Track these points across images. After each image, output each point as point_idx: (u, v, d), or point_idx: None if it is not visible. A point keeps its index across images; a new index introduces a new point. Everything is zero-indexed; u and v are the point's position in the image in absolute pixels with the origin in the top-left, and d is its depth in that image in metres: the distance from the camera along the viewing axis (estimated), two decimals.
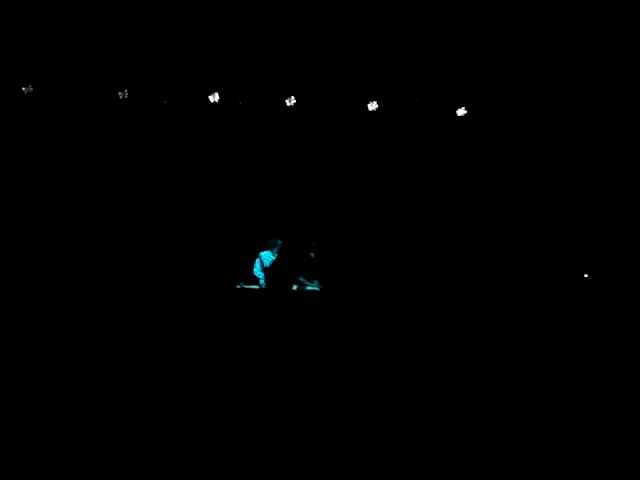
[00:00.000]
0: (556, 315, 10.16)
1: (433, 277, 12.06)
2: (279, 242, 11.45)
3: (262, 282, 11.27)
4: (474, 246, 12.54)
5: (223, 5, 11.16)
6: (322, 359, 8.65)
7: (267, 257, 11.41)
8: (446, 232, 12.69)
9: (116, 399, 6.86)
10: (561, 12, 10.97)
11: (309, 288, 11.21)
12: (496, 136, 12.69)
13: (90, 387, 7.20)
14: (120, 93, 11.99)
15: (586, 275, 11.92)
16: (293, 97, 12.13)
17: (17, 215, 12.18)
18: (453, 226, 12.72)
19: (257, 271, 11.36)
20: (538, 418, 6.45)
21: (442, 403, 6.90)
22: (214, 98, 12.14)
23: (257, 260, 11.41)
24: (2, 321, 9.02)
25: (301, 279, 11.33)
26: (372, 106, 12.22)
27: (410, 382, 7.60)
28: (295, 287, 11.08)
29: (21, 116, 12.25)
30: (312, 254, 11.46)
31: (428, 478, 5.22)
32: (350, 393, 7.17)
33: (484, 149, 12.79)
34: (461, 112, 12.29)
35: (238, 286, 10.99)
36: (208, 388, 7.41)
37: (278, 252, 11.43)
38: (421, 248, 12.62)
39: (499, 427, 6.23)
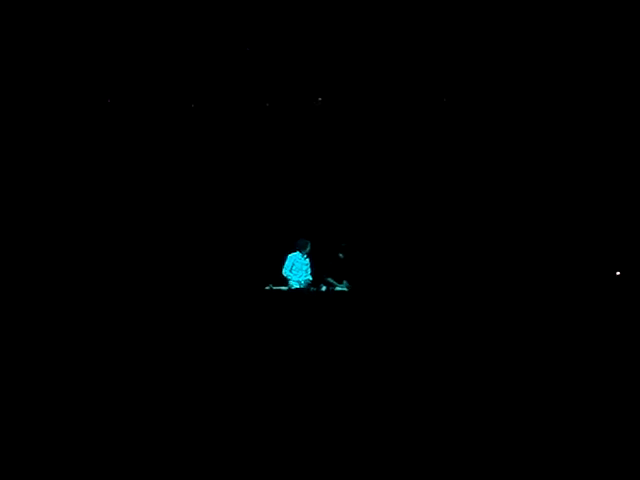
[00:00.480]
0: (587, 312, 10.04)
1: (458, 275, 11.98)
2: (308, 243, 11.48)
3: (291, 283, 11.30)
4: (499, 248, 12.42)
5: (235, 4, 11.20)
6: (350, 360, 8.64)
7: (297, 258, 11.44)
8: (469, 230, 12.58)
9: (137, 396, 6.91)
10: (561, 11, 10.91)
11: (338, 289, 11.22)
12: (511, 128, 12.54)
13: (106, 384, 7.25)
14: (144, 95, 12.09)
15: (618, 273, 11.77)
16: (320, 98, 12.13)
17: (17, 216, 12.24)
18: (476, 224, 12.60)
19: (286, 272, 11.39)
20: (552, 416, 6.40)
21: (463, 403, 6.86)
22: (239, 99, 12.18)
23: (286, 262, 11.45)
24: (2, 321, 9.09)
25: (330, 280, 11.34)
26: (394, 103, 12.17)
27: (433, 381, 7.57)
28: (324, 288, 11.09)
29: (21, 119, 12.29)
30: (341, 255, 11.46)
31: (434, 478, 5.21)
32: (374, 392, 7.16)
33: (508, 144, 12.65)
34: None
35: (267, 287, 11.03)
36: (234, 388, 7.44)
37: (307, 253, 11.46)
38: (448, 248, 12.53)
39: (514, 425, 6.19)
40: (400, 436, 6.01)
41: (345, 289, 11.24)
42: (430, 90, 12.26)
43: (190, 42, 11.54)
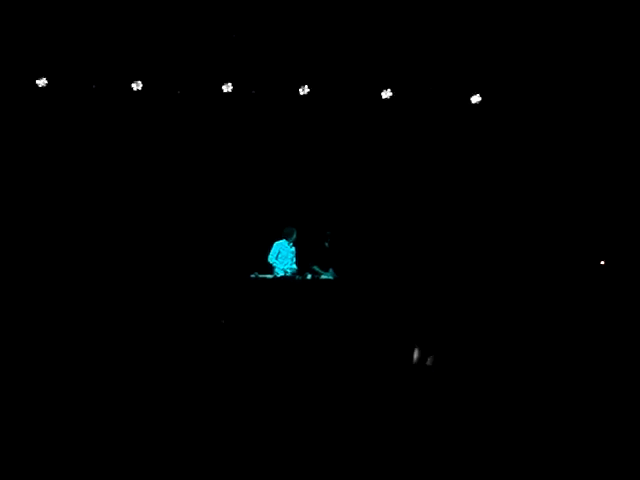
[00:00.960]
0: (572, 303, 10.12)
1: (446, 266, 12.02)
2: (295, 231, 11.48)
3: (277, 271, 11.30)
4: (487, 236, 12.49)
5: None
6: (334, 348, 8.67)
7: (283, 246, 11.44)
8: (459, 222, 12.64)
9: (131, 388, 6.91)
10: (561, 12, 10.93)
11: (323, 277, 11.23)
12: (513, 124, 12.59)
13: (99, 380, 7.25)
14: (134, 84, 12.02)
15: (602, 262, 11.84)
16: (307, 86, 12.09)
17: (21, 212, 12.23)
18: (466, 216, 12.66)
19: (272, 259, 11.39)
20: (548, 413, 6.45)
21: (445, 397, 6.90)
22: (227, 88, 12.13)
23: (272, 249, 11.45)
24: (2, 321, 9.08)
25: (315, 268, 11.35)
26: (386, 94, 12.17)
27: (417, 374, 7.61)
28: (309, 276, 11.10)
29: (34, 109, 12.31)
30: (326, 243, 11.47)
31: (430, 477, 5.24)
32: (357, 382, 7.19)
33: (499, 137, 12.70)
34: (475, 99, 12.20)
35: (253, 275, 11.04)
36: (220, 376, 7.46)
37: (293, 241, 11.46)
38: (434, 238, 12.58)
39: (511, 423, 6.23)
40: (383, 425, 6.04)
41: (331, 277, 11.25)
42: (417, 84, 12.25)
43: (200, 32, 11.49)
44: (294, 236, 11.46)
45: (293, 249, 11.49)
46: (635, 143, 12.06)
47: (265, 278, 11.05)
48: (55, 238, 12.18)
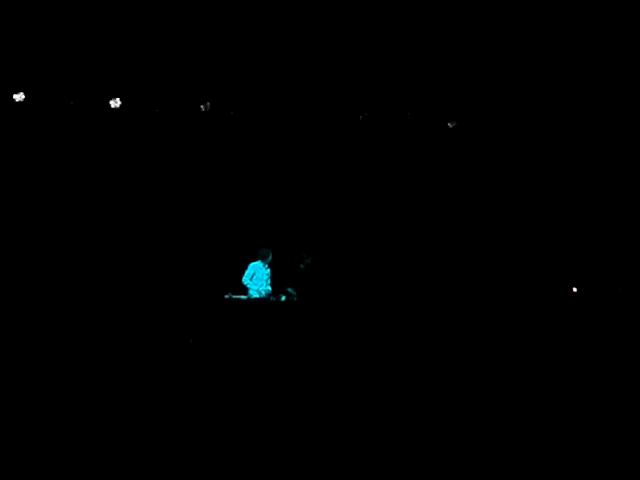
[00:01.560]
0: (546, 326, 10.16)
1: (425, 287, 12.06)
2: (270, 252, 11.44)
3: (251, 292, 11.25)
4: (459, 258, 12.54)
5: (216, 13, 11.18)
6: (308, 370, 8.63)
7: (258, 267, 11.39)
8: (436, 242, 12.69)
9: (105, 405, 6.84)
10: (557, 15, 11.00)
11: (297, 299, 11.19)
12: (485, 148, 12.70)
13: (81, 393, 7.18)
14: (112, 102, 11.99)
15: (575, 289, 11.92)
16: (285, 107, 12.15)
17: (15, 221, 12.15)
18: (442, 237, 12.72)
19: (247, 280, 11.33)
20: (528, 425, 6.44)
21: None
22: (205, 107, 12.15)
23: (247, 270, 11.40)
24: (2, 321, 9.02)
25: (290, 290, 11.31)
26: (363, 116, 12.24)
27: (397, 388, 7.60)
28: (284, 298, 11.06)
29: (13, 123, 12.23)
30: (301, 265, 11.44)
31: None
32: (332, 405, 7.16)
33: (474, 161, 12.80)
34: (452, 124, 12.31)
35: (227, 296, 10.97)
36: (194, 394, 7.40)
37: (269, 263, 11.42)
38: (411, 259, 12.62)
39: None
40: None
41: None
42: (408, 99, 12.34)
43: (181, 50, 11.51)
44: (269, 258, 11.43)
45: (268, 271, 11.45)
46: (631, 150, 12.18)
47: (239, 299, 10.99)
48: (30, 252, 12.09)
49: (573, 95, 11.99)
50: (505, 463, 5.48)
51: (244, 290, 11.30)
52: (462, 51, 11.56)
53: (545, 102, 12.12)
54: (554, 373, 8.22)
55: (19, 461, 5.26)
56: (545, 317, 10.31)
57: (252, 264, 11.40)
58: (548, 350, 9.13)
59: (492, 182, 12.80)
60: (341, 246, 12.80)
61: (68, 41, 11.30)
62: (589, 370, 8.37)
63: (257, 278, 11.36)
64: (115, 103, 11.98)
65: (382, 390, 7.63)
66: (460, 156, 12.85)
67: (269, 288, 11.33)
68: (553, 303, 11.34)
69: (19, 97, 11.75)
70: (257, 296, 11.12)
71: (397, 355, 8.98)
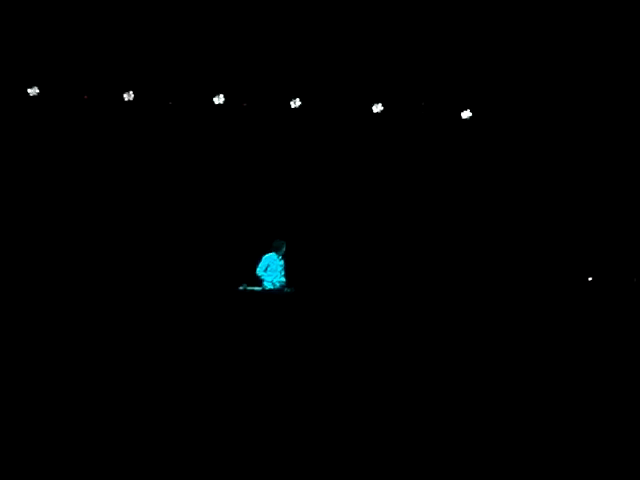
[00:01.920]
0: (559, 318, 10.11)
1: (427, 278, 12.06)
2: (284, 244, 11.46)
3: (265, 284, 11.28)
4: (473, 249, 12.51)
5: (229, 7, 11.20)
6: (321, 360, 8.64)
7: (272, 259, 11.41)
8: (445, 234, 12.67)
9: (116, 400, 6.87)
10: (562, 13, 10.96)
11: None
12: (499, 139, 12.65)
13: (90, 388, 7.21)
14: (125, 95, 12.02)
15: (590, 278, 11.87)
16: (298, 99, 12.12)
17: (19, 217, 12.21)
18: (452, 229, 12.69)
19: (260, 272, 11.35)
20: (534, 421, 6.42)
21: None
22: (219, 100, 12.15)
23: (261, 262, 11.42)
24: (2, 321, 9.04)
25: None
26: (377, 108, 12.20)
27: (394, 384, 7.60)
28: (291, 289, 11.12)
29: (26, 117, 12.30)
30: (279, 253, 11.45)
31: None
32: (348, 390, 7.17)
33: (487, 152, 12.75)
34: (466, 115, 12.25)
35: (241, 287, 11.00)
36: (207, 388, 7.42)
37: (283, 255, 11.43)
38: (417, 252, 12.61)
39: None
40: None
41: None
42: (422, 90, 12.31)
43: (194, 44, 11.53)
44: (283, 249, 11.44)
45: (282, 262, 11.47)
46: (630, 151, 12.12)
47: (253, 290, 11.01)
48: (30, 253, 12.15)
49: (586, 86, 11.93)
50: (506, 462, 5.45)
51: (258, 282, 11.32)
52: (474, 43, 11.51)
53: (558, 93, 12.05)
54: (566, 364, 8.19)
55: (19, 461, 5.24)
56: (559, 307, 10.27)
57: (266, 256, 11.42)
58: (561, 341, 9.09)
59: (508, 172, 12.75)
60: (354, 236, 12.80)
61: (81, 36, 11.35)
62: (602, 361, 8.34)
63: (271, 270, 11.37)
64: (129, 96, 12.01)
65: (394, 383, 7.63)
66: (472, 147, 12.81)
67: (283, 279, 11.35)
68: (568, 293, 11.29)
69: (33, 91, 11.81)
70: (271, 287, 11.14)
71: (410, 348, 8.97)
